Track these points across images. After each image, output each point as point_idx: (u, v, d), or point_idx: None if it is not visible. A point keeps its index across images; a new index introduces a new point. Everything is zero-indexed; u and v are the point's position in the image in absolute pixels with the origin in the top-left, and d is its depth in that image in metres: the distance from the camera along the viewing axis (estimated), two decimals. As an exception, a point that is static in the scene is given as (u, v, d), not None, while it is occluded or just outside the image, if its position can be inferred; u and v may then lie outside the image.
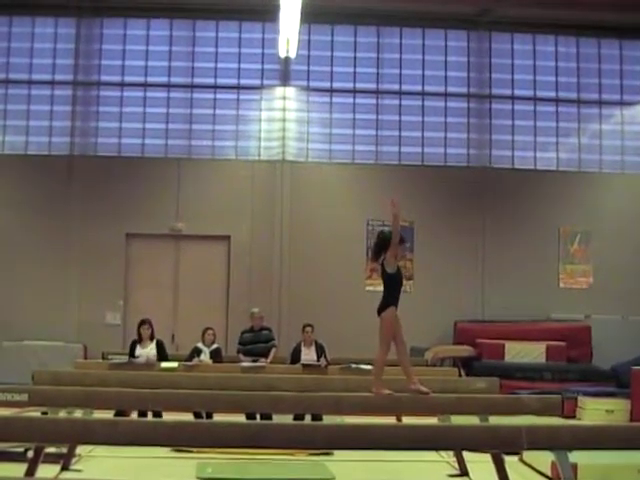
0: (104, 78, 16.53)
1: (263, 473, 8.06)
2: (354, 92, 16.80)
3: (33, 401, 7.16)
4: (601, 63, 17.09)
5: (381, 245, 6.99)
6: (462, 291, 16.28)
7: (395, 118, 16.76)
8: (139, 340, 11.17)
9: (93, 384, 8.14)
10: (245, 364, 11.14)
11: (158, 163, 16.32)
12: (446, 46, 16.95)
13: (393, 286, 6.95)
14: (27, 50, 16.38)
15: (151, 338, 11.19)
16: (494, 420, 7.36)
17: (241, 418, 8.84)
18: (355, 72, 16.81)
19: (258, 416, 9.66)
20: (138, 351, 11.05)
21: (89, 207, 16.02)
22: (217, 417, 9.01)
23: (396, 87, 16.83)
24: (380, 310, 6.90)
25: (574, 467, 6.86)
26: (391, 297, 6.92)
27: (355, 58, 16.82)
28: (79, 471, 7.98)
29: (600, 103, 17.08)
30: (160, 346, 11.18)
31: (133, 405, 8.01)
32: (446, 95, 16.90)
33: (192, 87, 16.60)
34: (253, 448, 7.07)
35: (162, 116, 16.50)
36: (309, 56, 16.63)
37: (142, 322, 11.27)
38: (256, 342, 11.90)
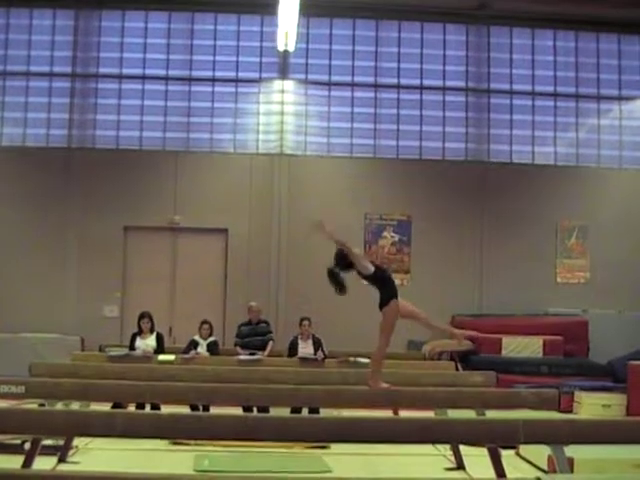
0: (102, 70, 16.49)
1: (260, 466, 8.06)
2: (352, 85, 16.78)
3: (30, 393, 7.17)
4: (600, 58, 17.08)
5: (344, 263, 6.95)
6: (459, 285, 16.28)
7: (393, 112, 16.75)
8: (139, 333, 11.20)
9: (90, 376, 8.14)
10: (242, 357, 11.15)
11: (156, 156, 16.31)
12: (445, 40, 16.94)
13: (383, 282, 6.93)
14: (25, 42, 16.35)
15: (151, 331, 11.23)
16: (491, 414, 7.37)
17: (238, 411, 8.85)
18: (353, 65, 16.79)
19: (255, 409, 9.68)
20: (137, 343, 11.09)
21: (87, 200, 16.01)
22: (214, 410, 9.02)
23: (394, 81, 16.81)
24: (382, 306, 6.90)
25: (570, 461, 6.87)
26: (388, 292, 6.90)
27: (354, 51, 16.80)
28: (76, 463, 7.99)
29: (598, 98, 17.08)
30: (160, 339, 11.22)
31: (130, 397, 8.02)
32: (444, 89, 16.89)
33: (190, 80, 16.58)
34: (250, 441, 7.09)
35: (160, 109, 16.48)
36: (307, 49, 16.61)
37: (142, 315, 11.32)
38: (253, 335, 11.93)
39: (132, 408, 9.42)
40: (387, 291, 6.93)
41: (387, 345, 6.96)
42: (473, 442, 6.94)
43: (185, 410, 8.63)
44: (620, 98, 17.14)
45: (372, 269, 6.89)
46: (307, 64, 16.72)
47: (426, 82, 16.86)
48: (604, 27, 16.95)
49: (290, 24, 13.30)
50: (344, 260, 6.92)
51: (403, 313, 7.00)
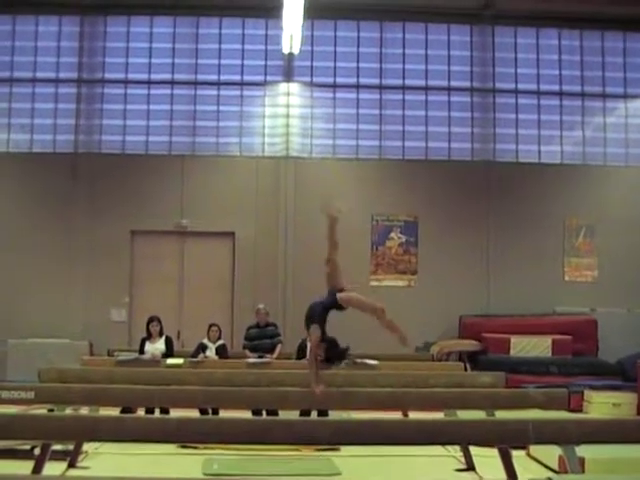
0: (108, 76, 16.53)
1: (269, 469, 8.06)
2: (357, 87, 16.78)
3: (40, 398, 7.18)
4: (605, 56, 17.05)
5: (335, 348, 7.07)
6: (467, 285, 16.26)
7: (398, 113, 16.74)
8: (148, 337, 11.21)
9: (99, 381, 8.15)
10: (251, 360, 11.13)
11: (162, 160, 16.33)
12: (449, 40, 16.92)
13: (327, 308, 7.27)
14: (31, 48, 16.40)
15: (160, 334, 11.23)
16: (500, 414, 7.36)
17: (247, 414, 8.85)
18: (358, 67, 16.79)
19: (264, 412, 9.67)
20: (147, 347, 11.09)
21: (94, 205, 16.04)
22: (223, 413, 9.02)
23: (399, 82, 16.81)
24: (341, 308, 7.08)
25: (581, 461, 6.86)
26: (330, 301, 7.28)
27: (358, 53, 16.80)
28: (86, 468, 8.00)
29: (604, 96, 17.04)
30: (169, 342, 11.21)
31: (139, 402, 8.02)
32: (449, 89, 16.87)
33: (196, 84, 16.60)
34: (259, 444, 7.07)
35: (166, 113, 16.51)
36: (312, 52, 16.61)
37: (151, 319, 11.32)
38: (262, 338, 11.90)
39: (141, 412, 9.43)
40: (330, 301, 7.25)
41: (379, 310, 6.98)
42: (483, 443, 6.93)
43: (194, 414, 8.63)
44: (626, 96, 17.10)
45: (319, 329, 7.08)
46: (312, 66, 16.72)
47: (431, 83, 16.85)
48: (609, 25, 16.91)
49: (295, 27, 13.32)
50: (334, 350, 7.05)
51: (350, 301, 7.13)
